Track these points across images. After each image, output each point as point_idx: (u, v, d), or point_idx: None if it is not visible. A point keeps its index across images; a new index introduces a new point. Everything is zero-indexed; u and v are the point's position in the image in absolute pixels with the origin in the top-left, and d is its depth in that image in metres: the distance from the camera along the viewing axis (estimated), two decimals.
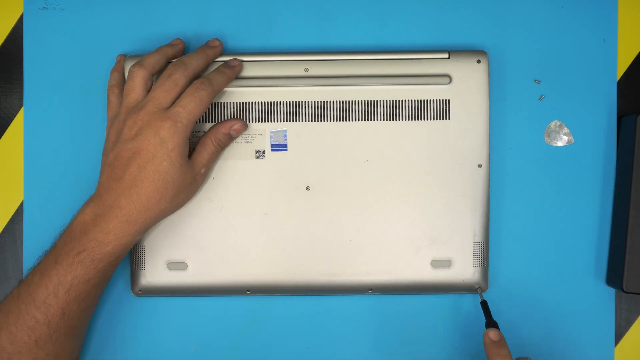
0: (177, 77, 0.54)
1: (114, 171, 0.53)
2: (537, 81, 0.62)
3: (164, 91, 0.54)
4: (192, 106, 0.53)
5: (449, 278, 0.59)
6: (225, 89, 0.59)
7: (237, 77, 0.59)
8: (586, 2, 0.62)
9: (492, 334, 0.54)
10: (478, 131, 0.59)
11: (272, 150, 0.59)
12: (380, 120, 0.59)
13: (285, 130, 0.59)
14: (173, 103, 0.54)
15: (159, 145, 0.52)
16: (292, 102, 0.59)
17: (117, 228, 0.52)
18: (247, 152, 0.59)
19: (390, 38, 0.62)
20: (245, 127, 0.58)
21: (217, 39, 0.59)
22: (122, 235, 0.53)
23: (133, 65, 0.55)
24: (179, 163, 0.53)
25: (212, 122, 0.59)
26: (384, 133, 0.59)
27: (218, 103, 0.59)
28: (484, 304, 0.58)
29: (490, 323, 0.56)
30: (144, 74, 0.55)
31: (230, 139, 0.58)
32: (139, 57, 0.59)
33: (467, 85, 0.59)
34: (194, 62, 0.56)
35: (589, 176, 0.62)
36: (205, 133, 0.57)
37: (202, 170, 0.56)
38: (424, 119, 0.59)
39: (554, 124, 0.62)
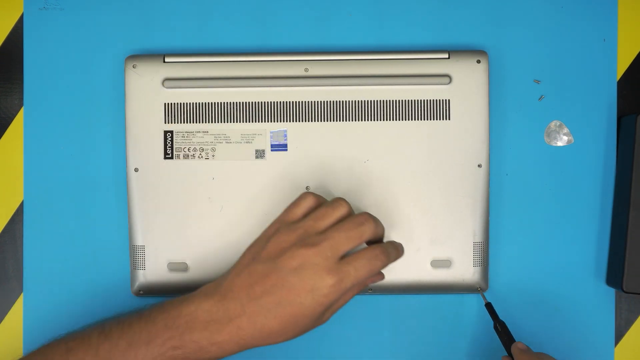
0: (365, 230, 0.50)
1: (252, 286, 0.48)
2: (537, 81, 0.62)
3: (348, 238, 0.49)
4: (363, 273, 0.49)
5: (449, 278, 0.59)
6: (225, 89, 0.59)
7: (237, 77, 0.59)
8: (586, 2, 0.62)
9: (521, 344, 0.55)
10: (478, 131, 0.59)
11: (272, 150, 0.59)
12: (380, 120, 0.59)
13: (285, 130, 0.59)
14: (345, 254, 0.49)
15: (311, 296, 0.48)
16: (292, 102, 0.59)
17: (225, 344, 0.49)
18: (247, 152, 0.59)
19: (390, 38, 0.62)
20: (383, 278, 0.54)
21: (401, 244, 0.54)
22: (226, 351, 0.49)
23: (344, 201, 0.51)
24: (318, 315, 0.49)
25: (211, 121, 0.59)
26: (384, 133, 0.59)
27: (218, 103, 0.59)
28: (489, 306, 0.58)
29: (500, 323, 0.57)
30: (347, 210, 0.51)
31: (363, 288, 0.53)
32: (139, 57, 0.59)
33: (467, 85, 0.59)
34: (382, 233, 0.52)
35: (589, 176, 0.62)
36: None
37: (330, 316, 0.51)
38: (424, 119, 0.59)
39: (554, 124, 0.62)
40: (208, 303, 0.49)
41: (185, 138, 0.59)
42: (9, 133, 0.62)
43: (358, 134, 0.59)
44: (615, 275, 0.60)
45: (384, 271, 0.52)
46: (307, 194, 0.53)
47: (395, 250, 0.52)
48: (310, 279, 0.48)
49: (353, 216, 0.51)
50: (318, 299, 0.48)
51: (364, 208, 0.59)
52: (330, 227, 0.50)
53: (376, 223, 0.51)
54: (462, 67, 0.59)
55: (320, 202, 0.52)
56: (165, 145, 0.59)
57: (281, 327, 0.48)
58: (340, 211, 0.51)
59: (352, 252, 0.50)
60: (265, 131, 0.59)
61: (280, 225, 0.51)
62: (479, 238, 0.59)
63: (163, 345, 0.49)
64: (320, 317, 0.50)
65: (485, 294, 0.61)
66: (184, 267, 0.59)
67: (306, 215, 0.51)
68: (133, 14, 0.62)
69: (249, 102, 0.59)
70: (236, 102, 0.59)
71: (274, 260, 0.49)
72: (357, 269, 0.48)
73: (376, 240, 0.52)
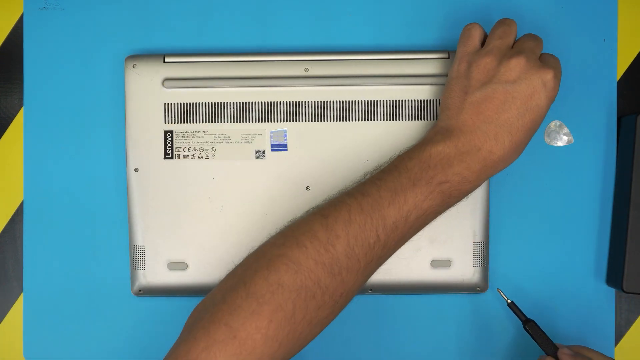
0: (540, 40, 0.54)
1: (482, 112, 0.51)
2: None
3: (536, 45, 0.53)
4: (559, 65, 0.53)
5: (449, 278, 0.59)
6: (225, 89, 0.59)
7: (237, 77, 0.59)
8: (586, 2, 0.62)
9: (566, 350, 0.55)
10: None
11: (272, 150, 0.59)
12: (380, 120, 0.59)
13: (285, 130, 0.59)
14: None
15: (544, 94, 0.51)
16: (292, 102, 0.59)
17: (482, 171, 0.51)
18: (247, 152, 0.59)
19: (390, 38, 0.62)
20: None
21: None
22: (481, 178, 0.52)
23: (508, 19, 0.55)
24: (545, 114, 0.52)
25: (211, 121, 0.59)
26: (384, 133, 0.59)
27: (218, 103, 0.59)
28: (513, 305, 0.58)
29: (527, 321, 0.57)
30: (515, 24, 0.54)
31: None
32: (139, 57, 0.59)
33: None
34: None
35: (589, 176, 0.62)
36: None
37: None
38: (424, 119, 0.59)
39: (554, 124, 0.62)
40: (451, 140, 0.51)
41: (185, 138, 0.59)
42: (9, 133, 0.62)
43: (358, 134, 0.59)
44: (615, 275, 0.60)
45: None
46: (469, 26, 0.55)
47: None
48: (538, 79, 0.51)
49: (526, 34, 0.55)
50: (549, 94, 0.51)
51: None
52: (516, 42, 0.54)
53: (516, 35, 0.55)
54: None
55: (480, 27, 0.55)
56: (165, 145, 0.59)
57: (525, 136, 0.52)
58: (515, 26, 0.54)
59: None
60: (265, 131, 0.59)
61: (469, 57, 0.54)
62: (479, 238, 0.59)
63: (429, 184, 0.50)
64: None
65: (485, 294, 0.61)
66: (184, 267, 0.59)
67: (481, 43, 0.55)
68: (133, 14, 0.62)
69: (249, 102, 0.59)
70: (236, 102, 0.59)
71: (490, 82, 0.52)
72: (555, 62, 0.53)
73: None
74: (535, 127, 0.52)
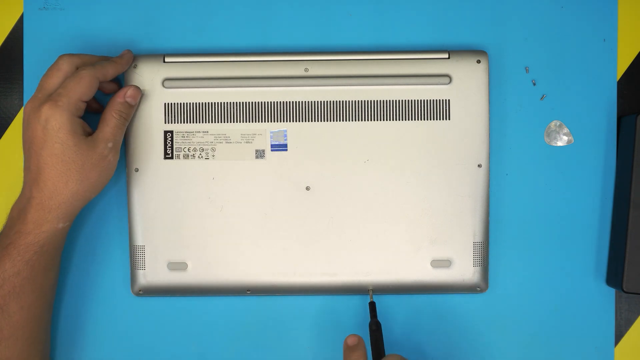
0: (61, 63, 0.55)
1: (24, 162, 0.55)
2: (533, 82, 0.62)
3: (47, 77, 0.55)
4: (72, 85, 0.54)
5: (449, 278, 0.59)
6: (225, 89, 0.59)
7: (237, 77, 0.59)
8: (586, 2, 0.62)
9: (350, 340, 0.55)
10: (478, 131, 0.59)
11: (272, 150, 0.59)
12: (380, 120, 0.59)
13: (285, 130, 0.59)
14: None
15: (44, 129, 0.53)
16: (292, 102, 0.59)
17: (35, 217, 0.54)
18: (247, 152, 0.59)
19: (390, 38, 0.62)
20: (139, 91, 0.58)
21: (129, 50, 0.59)
22: (40, 222, 0.54)
23: (66, 56, 0.56)
24: (73, 142, 0.53)
25: (211, 121, 0.59)
26: (384, 133, 0.59)
27: (218, 103, 0.59)
28: (372, 305, 0.58)
29: (375, 323, 0.57)
30: (68, 67, 0.55)
31: (130, 107, 0.57)
32: (139, 57, 0.59)
33: (467, 85, 0.59)
34: (88, 59, 0.57)
35: (589, 176, 0.62)
36: (104, 109, 0.57)
37: (110, 145, 0.55)
38: (424, 119, 0.59)
39: (554, 124, 0.62)
40: (16, 203, 0.55)
41: (185, 138, 0.59)
42: (9, 133, 0.62)
43: (358, 134, 0.59)
44: (615, 275, 0.60)
45: None
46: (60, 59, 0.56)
47: (108, 62, 0.57)
48: (35, 120, 0.53)
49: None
50: (49, 125, 0.53)
51: (364, 208, 0.59)
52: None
53: (82, 60, 0.56)
54: (462, 67, 0.59)
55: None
56: (165, 145, 0.59)
57: (57, 172, 0.54)
58: (57, 72, 0.55)
59: None
60: (265, 131, 0.59)
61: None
62: (479, 238, 0.59)
63: (1, 248, 0.54)
64: (86, 148, 0.54)
65: (485, 294, 0.61)
66: (184, 267, 0.59)
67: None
68: (133, 14, 0.62)
69: (249, 102, 0.59)
70: (236, 102, 0.59)
71: (23, 131, 0.55)
72: (65, 87, 0.54)
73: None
74: (58, 160, 0.53)
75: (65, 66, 0.55)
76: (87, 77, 0.54)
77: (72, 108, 0.54)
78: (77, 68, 0.55)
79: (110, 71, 0.56)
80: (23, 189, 0.55)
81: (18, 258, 0.53)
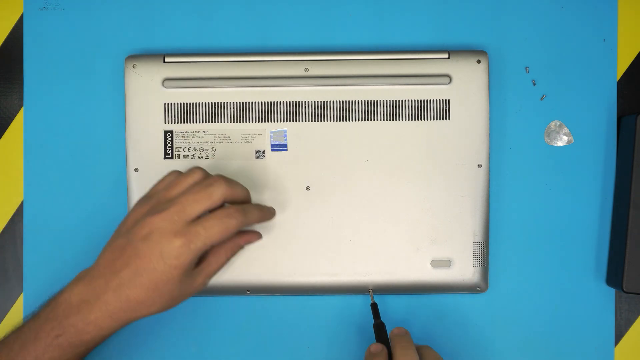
0: (214, 190, 0.50)
1: (114, 261, 0.50)
2: (533, 82, 0.62)
3: (195, 200, 0.49)
4: (215, 231, 0.49)
5: (449, 278, 0.59)
6: (225, 89, 0.59)
7: (237, 77, 0.59)
8: (586, 2, 0.62)
9: (374, 347, 0.54)
10: (478, 131, 0.59)
11: (272, 150, 0.59)
12: (380, 120, 0.59)
13: (285, 130, 0.59)
14: (198, 217, 0.50)
15: (161, 260, 0.48)
16: (292, 102, 0.59)
17: (100, 321, 0.49)
18: (247, 152, 0.59)
19: (391, 38, 0.62)
20: (260, 237, 0.56)
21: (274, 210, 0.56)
22: (102, 327, 0.50)
23: (199, 169, 0.52)
24: (179, 279, 0.49)
25: (211, 121, 0.59)
26: (384, 133, 0.59)
27: (218, 103, 0.59)
28: (374, 306, 0.58)
29: (378, 324, 0.56)
30: (200, 175, 0.51)
31: (241, 249, 0.55)
32: (139, 57, 0.59)
33: (467, 85, 0.59)
34: (240, 194, 0.52)
35: (589, 176, 0.62)
36: (221, 244, 0.53)
37: (207, 281, 0.52)
38: (424, 119, 0.59)
39: (554, 124, 0.62)
40: (78, 286, 0.50)
41: (185, 138, 0.59)
42: (9, 133, 0.62)
43: (358, 134, 0.59)
44: (615, 275, 0.60)
45: None
46: (174, 170, 0.54)
47: (259, 211, 0.53)
48: (158, 244, 0.48)
49: (203, 179, 0.51)
50: (169, 261, 0.48)
51: (364, 208, 0.59)
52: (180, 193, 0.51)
53: (229, 184, 0.51)
54: (462, 67, 0.59)
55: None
56: (165, 145, 0.59)
57: (146, 295, 0.49)
58: (193, 178, 0.51)
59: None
60: (265, 131, 0.59)
61: (140, 199, 0.53)
62: (479, 238, 0.59)
63: (47, 337, 0.49)
64: (188, 281, 0.50)
65: (485, 294, 0.61)
66: None
67: None
68: (133, 14, 0.62)
69: (249, 102, 0.59)
70: (236, 102, 0.59)
71: (129, 231, 0.50)
72: (207, 228, 0.49)
73: (240, 203, 0.53)
74: (156, 287, 0.49)
75: (217, 196, 0.50)
76: (235, 225, 0.50)
77: (202, 251, 0.49)
78: (224, 200, 0.51)
79: (255, 220, 0.53)
80: (96, 279, 0.50)
81: (69, 350, 0.50)
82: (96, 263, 0.51)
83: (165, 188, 0.52)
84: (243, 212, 0.51)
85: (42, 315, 0.51)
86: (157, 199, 0.51)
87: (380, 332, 0.56)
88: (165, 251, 0.48)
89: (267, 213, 0.55)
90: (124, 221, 0.52)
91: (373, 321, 0.57)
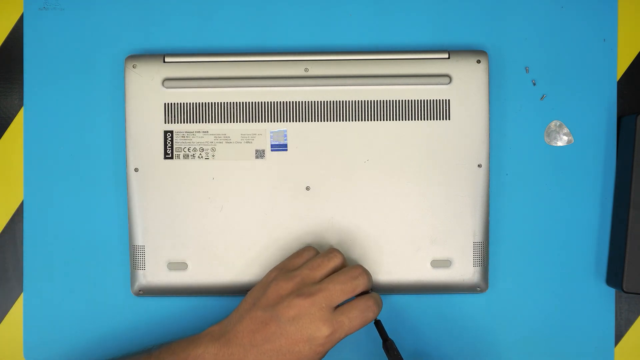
0: (359, 284, 0.52)
1: (253, 333, 0.51)
2: (533, 82, 0.62)
3: (342, 291, 0.52)
4: (356, 324, 0.51)
5: (449, 278, 0.59)
6: (225, 89, 0.59)
7: (237, 77, 0.59)
8: (586, 2, 0.62)
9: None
10: (478, 131, 0.59)
11: (272, 150, 0.59)
12: (380, 120, 0.59)
13: (285, 130, 0.59)
14: (338, 305, 0.52)
15: (308, 346, 0.50)
16: (292, 102, 0.59)
17: None
18: (247, 152, 0.59)
19: (390, 38, 0.62)
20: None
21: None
22: None
23: (338, 252, 0.54)
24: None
25: (211, 121, 0.59)
26: (384, 133, 0.59)
27: (218, 103, 0.59)
28: (379, 324, 0.57)
29: (386, 340, 0.56)
30: (341, 261, 0.54)
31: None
32: (139, 57, 0.59)
33: (467, 85, 0.59)
34: (371, 284, 0.54)
35: (589, 176, 0.62)
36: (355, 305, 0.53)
37: None
38: (424, 119, 0.59)
39: (554, 124, 0.62)
40: (214, 347, 0.51)
41: (185, 138, 0.59)
42: (9, 133, 0.62)
43: (358, 134, 0.59)
44: (615, 275, 0.60)
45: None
46: (309, 247, 0.56)
47: (380, 301, 0.54)
48: (307, 329, 0.50)
49: (347, 269, 0.53)
50: (315, 348, 0.50)
51: (364, 208, 0.59)
52: (325, 278, 0.53)
53: (369, 277, 0.54)
54: (462, 67, 0.59)
55: (315, 251, 0.56)
56: (165, 145, 0.59)
57: None
58: (335, 262, 0.54)
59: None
60: (265, 131, 0.59)
61: (279, 272, 0.54)
62: (479, 238, 0.59)
63: None
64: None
65: (485, 294, 0.61)
66: (184, 267, 0.59)
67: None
68: (133, 14, 0.62)
69: (249, 102, 0.59)
70: (236, 102, 0.59)
71: (273, 307, 0.51)
72: (351, 320, 0.51)
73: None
74: None
75: (360, 290, 0.52)
76: (372, 319, 0.52)
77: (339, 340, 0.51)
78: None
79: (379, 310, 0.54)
80: (235, 347, 0.51)
81: None
82: (233, 327, 0.52)
83: (308, 268, 0.53)
84: (378, 305, 0.53)
85: (165, 357, 0.52)
86: (302, 279, 0.52)
87: (391, 350, 0.55)
88: (314, 337, 0.50)
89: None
90: (260, 292, 0.53)
91: (386, 320, 0.57)
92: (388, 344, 0.56)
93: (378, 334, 0.56)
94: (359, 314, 0.52)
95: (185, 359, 0.51)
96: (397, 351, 0.55)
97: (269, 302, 0.52)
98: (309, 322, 0.50)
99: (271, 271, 0.55)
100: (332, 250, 0.54)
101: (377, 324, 0.57)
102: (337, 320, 0.51)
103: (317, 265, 0.53)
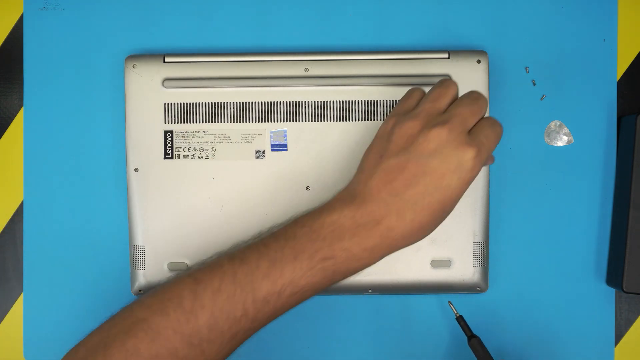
0: (483, 104, 0.48)
1: (391, 183, 0.46)
2: (533, 82, 0.62)
3: (473, 113, 0.47)
4: (492, 140, 0.48)
5: (449, 278, 0.59)
6: (225, 89, 0.59)
7: (237, 77, 0.59)
8: (586, 2, 0.62)
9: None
10: None
11: (272, 150, 0.59)
12: (381, 120, 0.59)
13: (285, 130, 0.59)
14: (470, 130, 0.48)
15: (457, 175, 0.46)
16: (292, 102, 0.59)
17: (376, 248, 0.47)
18: (247, 152, 0.59)
19: (391, 38, 0.62)
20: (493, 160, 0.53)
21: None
22: (375, 257, 0.47)
23: (453, 81, 0.50)
24: (461, 196, 0.47)
25: (211, 121, 0.59)
26: None
27: (218, 103, 0.59)
28: (461, 319, 0.58)
29: (471, 336, 0.57)
30: (457, 87, 0.50)
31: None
32: (139, 57, 0.59)
33: (467, 85, 0.59)
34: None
35: (589, 176, 0.62)
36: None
37: None
38: None
39: (554, 124, 0.62)
40: (350, 209, 0.47)
41: (185, 138, 0.59)
42: (9, 133, 0.62)
43: (358, 134, 0.59)
44: (615, 275, 0.60)
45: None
46: (413, 88, 0.52)
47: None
48: (453, 157, 0.46)
49: (466, 93, 0.49)
50: (463, 176, 0.46)
51: None
52: (449, 106, 0.48)
53: (486, 98, 0.50)
54: (462, 67, 0.59)
55: (423, 91, 0.51)
56: (165, 145, 0.59)
57: (431, 217, 0.47)
58: (453, 89, 0.49)
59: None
60: (265, 131, 0.59)
61: (397, 118, 0.49)
62: (479, 238, 0.59)
63: (312, 259, 0.46)
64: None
65: (485, 294, 0.61)
66: (184, 267, 0.59)
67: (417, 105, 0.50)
68: (133, 14, 0.62)
69: (249, 102, 0.59)
70: (236, 102, 0.59)
71: (407, 149, 0.47)
72: (487, 137, 0.47)
73: None
74: (443, 208, 0.47)
75: (485, 109, 0.48)
76: (501, 131, 0.49)
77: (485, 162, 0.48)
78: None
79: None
80: (371, 203, 0.47)
81: (329, 277, 0.47)
82: (364, 186, 0.47)
83: (430, 101, 0.48)
84: (499, 123, 0.49)
85: (301, 236, 0.46)
86: (428, 113, 0.48)
87: (478, 347, 0.55)
88: (461, 163, 0.46)
89: None
90: (383, 143, 0.48)
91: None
92: (475, 341, 0.56)
93: (479, 351, 0.56)
94: (491, 131, 0.48)
95: (319, 228, 0.47)
96: (485, 347, 0.55)
97: (399, 147, 0.47)
98: (453, 148, 0.46)
99: (385, 123, 0.50)
100: (445, 80, 0.50)
101: (460, 319, 0.57)
102: (476, 141, 0.46)
103: (437, 96, 0.48)
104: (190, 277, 0.47)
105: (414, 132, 0.47)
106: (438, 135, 0.46)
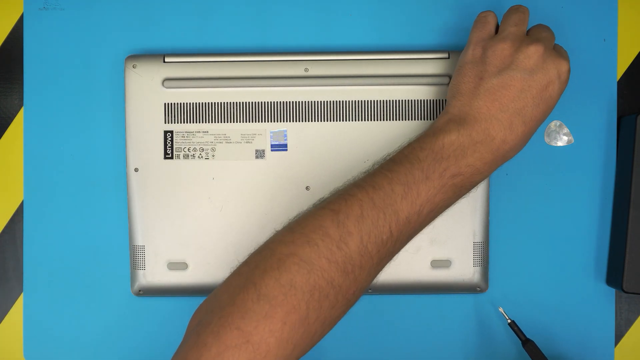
0: (552, 32, 0.54)
1: (498, 99, 0.50)
2: None
3: (552, 36, 0.53)
4: (566, 56, 0.53)
5: (449, 278, 0.59)
6: (225, 89, 0.59)
7: (237, 77, 0.59)
8: (586, 2, 0.62)
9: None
10: None
11: (272, 150, 0.59)
12: (381, 120, 0.59)
13: (285, 130, 0.59)
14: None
15: (557, 84, 0.51)
16: (292, 102, 0.59)
17: (494, 161, 0.51)
18: (247, 152, 0.59)
19: (391, 38, 0.62)
20: None
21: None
22: (493, 168, 0.51)
23: (521, 5, 0.55)
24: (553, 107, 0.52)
25: (211, 121, 0.59)
26: (384, 133, 0.59)
27: (218, 103, 0.59)
28: (513, 324, 0.58)
29: (526, 341, 0.57)
30: (528, 18, 0.54)
31: None
32: (139, 57, 0.59)
33: None
34: None
35: (589, 176, 0.62)
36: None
37: None
38: (424, 119, 0.59)
39: (554, 124, 0.62)
40: (465, 129, 0.50)
41: (185, 138, 0.59)
42: (9, 133, 0.62)
43: (358, 134, 0.59)
44: (615, 275, 0.60)
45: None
46: (482, 17, 0.55)
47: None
48: (553, 68, 0.51)
49: (538, 24, 0.55)
50: (561, 85, 0.51)
51: None
52: (529, 29, 0.54)
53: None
54: None
55: (495, 15, 0.55)
56: (165, 145, 0.59)
57: (536, 127, 0.52)
58: (528, 13, 0.54)
59: None
60: (265, 131, 0.59)
61: (484, 42, 0.53)
62: (479, 238, 0.59)
63: (442, 177, 0.49)
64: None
65: (485, 294, 0.61)
66: (183, 267, 0.59)
67: (496, 30, 0.54)
68: (133, 14, 0.62)
69: (249, 102, 0.59)
70: (236, 102, 0.59)
71: (507, 68, 0.51)
72: (563, 54, 0.53)
73: None
74: (544, 118, 0.52)
75: (553, 35, 0.54)
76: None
77: None
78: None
79: None
80: (483, 121, 0.50)
81: (459, 193, 0.51)
82: (470, 108, 0.51)
83: (513, 25, 0.53)
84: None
85: (425, 158, 0.49)
86: (515, 35, 0.52)
87: (534, 351, 0.56)
88: (560, 73, 0.51)
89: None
90: (478, 67, 0.52)
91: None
92: (530, 345, 0.57)
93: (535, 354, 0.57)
94: (563, 51, 0.53)
95: (441, 149, 0.50)
96: (540, 351, 0.56)
97: (497, 67, 0.51)
98: (552, 60, 0.51)
99: (470, 50, 0.54)
100: (519, 6, 0.54)
101: (513, 325, 0.58)
102: (564, 55, 0.52)
103: (518, 20, 0.53)
104: (326, 209, 0.48)
105: (508, 52, 0.51)
106: (536, 52, 0.51)
